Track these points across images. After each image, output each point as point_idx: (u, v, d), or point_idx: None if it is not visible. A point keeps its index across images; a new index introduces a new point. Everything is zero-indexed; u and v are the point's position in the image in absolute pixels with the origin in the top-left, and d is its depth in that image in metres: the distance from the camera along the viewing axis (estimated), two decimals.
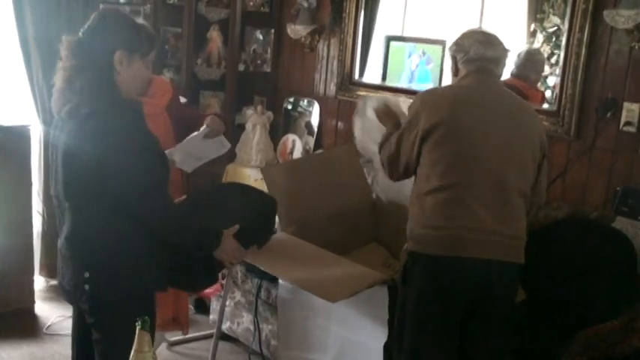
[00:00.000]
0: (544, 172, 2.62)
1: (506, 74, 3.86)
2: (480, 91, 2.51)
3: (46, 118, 4.21)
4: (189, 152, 3.04)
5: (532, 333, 2.79)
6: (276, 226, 3.18)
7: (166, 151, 2.84)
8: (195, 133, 3.06)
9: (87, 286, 2.21)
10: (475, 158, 2.40)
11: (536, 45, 3.92)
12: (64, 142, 2.22)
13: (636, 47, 3.11)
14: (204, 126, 3.07)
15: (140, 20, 2.40)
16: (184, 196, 2.75)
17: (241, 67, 4.76)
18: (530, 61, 3.81)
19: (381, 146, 2.66)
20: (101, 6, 4.35)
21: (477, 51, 2.52)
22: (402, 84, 4.26)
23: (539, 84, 3.82)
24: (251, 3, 4.69)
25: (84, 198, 2.21)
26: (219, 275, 2.74)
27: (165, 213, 2.25)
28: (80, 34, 2.22)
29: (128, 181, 2.15)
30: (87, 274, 2.21)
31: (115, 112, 2.16)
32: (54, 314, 4.03)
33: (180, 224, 2.27)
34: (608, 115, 3.22)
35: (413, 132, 2.46)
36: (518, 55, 3.82)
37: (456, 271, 2.38)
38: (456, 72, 2.60)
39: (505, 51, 2.59)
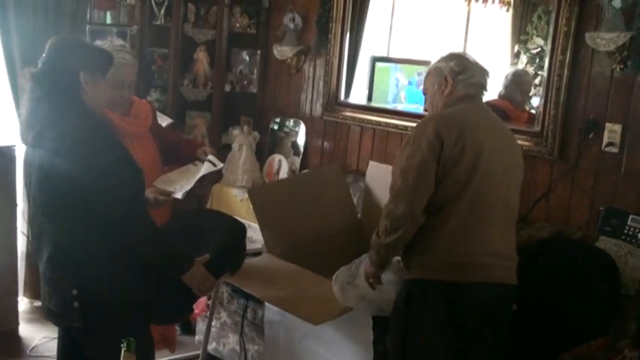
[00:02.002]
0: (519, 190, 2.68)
1: (493, 95, 3.93)
2: (481, 118, 2.54)
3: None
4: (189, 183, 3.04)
5: (517, 352, 2.80)
6: (261, 246, 3.18)
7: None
8: (201, 171, 3.05)
9: (76, 303, 2.25)
10: (491, 186, 2.43)
11: (520, 66, 3.97)
12: (38, 167, 2.28)
13: (617, 69, 3.15)
14: (204, 161, 3.09)
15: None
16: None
17: (228, 88, 4.78)
18: (516, 82, 3.86)
19: (394, 202, 2.43)
20: (87, 27, 4.38)
21: (480, 77, 2.58)
22: (388, 104, 4.29)
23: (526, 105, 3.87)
24: (237, 24, 4.72)
25: (64, 217, 2.25)
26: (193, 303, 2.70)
27: (141, 228, 2.28)
28: (40, 64, 2.31)
29: (105, 195, 2.20)
30: (75, 292, 2.24)
31: (84, 130, 2.23)
32: (38, 335, 3.99)
33: (154, 242, 2.31)
34: (591, 135, 3.26)
35: (435, 158, 2.37)
36: (506, 76, 3.87)
37: (472, 296, 2.40)
38: (450, 92, 2.56)
39: (488, 78, 2.66)
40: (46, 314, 2.42)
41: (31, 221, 2.39)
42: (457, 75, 2.55)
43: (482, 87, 2.61)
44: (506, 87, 3.85)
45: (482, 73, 2.60)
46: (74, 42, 2.41)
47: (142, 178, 2.36)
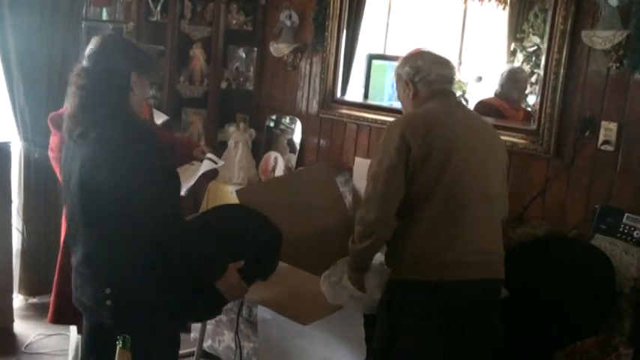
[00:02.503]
0: (505, 183, 2.65)
1: (489, 93, 3.93)
2: (451, 114, 2.51)
3: (27, 135, 4.19)
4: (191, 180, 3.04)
5: (512, 350, 2.80)
6: None
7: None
8: (202, 168, 3.07)
9: (109, 302, 2.28)
10: (465, 180, 2.41)
11: (517, 64, 3.97)
12: (81, 165, 2.27)
13: (613, 67, 3.16)
14: (203, 160, 3.11)
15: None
16: (194, 215, 2.78)
17: (224, 85, 4.77)
18: (512, 80, 3.86)
19: (365, 209, 2.45)
20: (83, 23, 4.36)
21: (437, 72, 2.54)
22: (384, 102, 4.29)
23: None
24: (234, 21, 4.71)
25: (102, 219, 2.26)
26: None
27: (179, 236, 2.28)
28: (90, 60, 2.29)
29: (144, 201, 2.21)
30: (108, 290, 2.27)
31: (127, 135, 2.24)
32: (33, 333, 3.98)
33: (191, 250, 2.31)
34: (587, 133, 3.26)
35: (402, 162, 2.37)
36: (502, 74, 3.87)
37: (453, 293, 2.39)
38: (415, 95, 2.56)
39: (454, 69, 2.64)
40: (79, 306, 2.44)
41: (69, 219, 2.39)
42: (414, 77, 2.56)
43: (446, 80, 2.57)
44: (502, 85, 3.86)
45: (441, 66, 2.57)
46: (124, 42, 2.46)
47: (178, 183, 2.40)
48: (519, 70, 3.86)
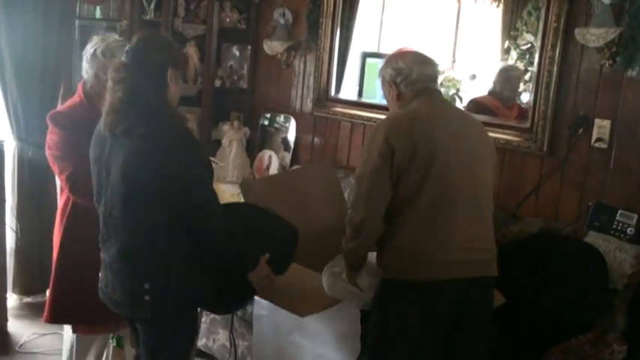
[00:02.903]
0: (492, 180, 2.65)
1: (483, 91, 3.94)
2: (436, 114, 2.49)
3: (20, 134, 4.18)
4: None
5: (507, 347, 2.81)
6: None
7: None
8: None
9: (147, 297, 2.33)
10: (452, 180, 2.40)
11: (510, 62, 3.98)
12: (123, 160, 2.31)
13: (606, 65, 3.17)
14: None
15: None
16: None
17: (218, 83, 4.76)
18: (504, 78, 3.86)
19: (353, 210, 2.47)
20: (77, 22, 4.35)
21: (419, 71, 2.54)
22: (378, 100, 4.29)
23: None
24: (227, 19, 4.71)
25: (144, 212, 2.32)
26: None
27: (220, 229, 2.37)
28: (129, 55, 2.35)
29: (188, 193, 2.29)
30: (147, 286, 2.32)
31: (170, 130, 2.31)
32: (27, 332, 3.98)
33: (232, 242, 2.40)
34: (580, 131, 3.27)
35: (387, 165, 2.37)
36: (495, 72, 3.87)
37: (442, 293, 2.38)
38: (398, 96, 2.57)
39: (438, 66, 2.64)
40: (107, 302, 2.48)
41: (107, 215, 2.41)
42: (396, 78, 2.56)
43: (429, 79, 2.56)
44: (495, 83, 3.86)
45: (422, 65, 2.57)
46: (162, 39, 2.52)
47: (213, 174, 2.44)
48: (511, 68, 3.86)
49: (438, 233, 2.38)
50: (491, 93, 3.88)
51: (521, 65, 3.93)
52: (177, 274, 2.34)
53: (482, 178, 2.49)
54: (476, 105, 3.88)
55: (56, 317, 2.99)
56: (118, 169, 2.33)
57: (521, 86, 3.91)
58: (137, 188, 2.31)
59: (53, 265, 2.96)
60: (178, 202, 2.29)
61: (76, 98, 2.95)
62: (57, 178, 3.13)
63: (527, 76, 3.83)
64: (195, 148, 2.35)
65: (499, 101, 3.80)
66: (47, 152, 2.90)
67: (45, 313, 2.99)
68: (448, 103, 2.62)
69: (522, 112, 3.70)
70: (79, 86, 2.95)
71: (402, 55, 2.65)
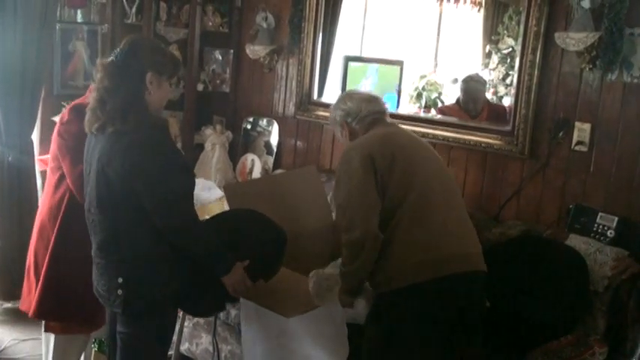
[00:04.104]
0: None
1: (452, 99, 3.98)
2: (395, 133, 2.65)
3: (1, 139, 4.14)
4: None
5: (490, 348, 2.82)
6: None
7: None
8: None
9: (120, 291, 2.40)
10: (427, 184, 2.48)
11: (492, 66, 4.00)
12: (98, 159, 2.41)
13: (586, 69, 3.20)
14: None
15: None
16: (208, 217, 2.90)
17: (200, 87, 4.75)
18: (464, 89, 3.87)
19: (347, 231, 2.47)
20: (58, 25, 4.32)
21: (367, 108, 2.71)
22: None
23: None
24: (210, 23, 4.70)
25: (115, 212, 2.40)
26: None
27: (187, 228, 2.41)
28: (113, 57, 2.43)
29: (153, 194, 2.34)
30: (120, 280, 2.40)
31: (141, 131, 2.36)
32: (8, 337, 3.94)
33: (201, 243, 2.43)
34: (561, 134, 3.30)
35: (371, 175, 2.44)
36: (460, 81, 3.91)
37: (448, 288, 2.42)
38: (351, 134, 2.72)
39: (384, 103, 2.79)
40: (97, 296, 2.55)
41: (87, 209, 2.51)
42: (347, 118, 2.72)
43: (378, 113, 2.72)
44: (460, 92, 3.88)
45: (369, 103, 2.73)
46: (148, 43, 2.57)
47: (192, 180, 2.50)
48: (472, 78, 3.87)
49: (430, 234, 2.43)
50: (457, 102, 3.92)
51: (502, 69, 3.96)
52: (150, 272, 2.41)
53: (451, 183, 2.64)
54: (442, 113, 3.92)
55: (43, 313, 3.00)
56: (94, 166, 2.42)
57: (502, 90, 3.94)
58: (107, 185, 2.38)
59: (46, 260, 2.96)
60: (144, 202, 2.34)
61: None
62: (48, 171, 3.10)
63: (508, 80, 3.86)
64: (162, 149, 2.38)
65: (466, 113, 3.82)
66: (59, 141, 2.89)
67: (32, 308, 2.99)
68: (401, 127, 2.81)
69: (493, 109, 3.71)
70: None
71: (349, 96, 2.80)
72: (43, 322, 3.12)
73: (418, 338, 2.43)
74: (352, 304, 2.60)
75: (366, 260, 2.44)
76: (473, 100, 3.83)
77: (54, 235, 2.95)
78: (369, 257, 2.44)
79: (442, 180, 2.57)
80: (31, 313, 3.00)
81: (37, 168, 4.20)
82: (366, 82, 4.38)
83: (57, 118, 4.22)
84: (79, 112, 2.84)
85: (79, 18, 4.57)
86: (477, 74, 3.88)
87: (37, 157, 4.20)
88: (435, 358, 2.45)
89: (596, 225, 3.12)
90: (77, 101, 2.97)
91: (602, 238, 3.09)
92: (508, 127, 3.48)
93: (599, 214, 3.13)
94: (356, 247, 2.43)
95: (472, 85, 3.76)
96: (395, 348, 2.46)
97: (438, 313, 2.43)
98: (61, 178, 2.94)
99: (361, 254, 2.43)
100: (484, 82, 3.84)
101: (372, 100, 2.75)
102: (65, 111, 2.97)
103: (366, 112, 2.70)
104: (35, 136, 4.25)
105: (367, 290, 2.59)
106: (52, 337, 3.13)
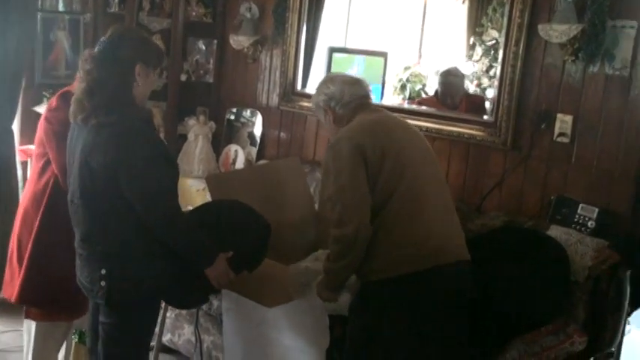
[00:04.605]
0: None
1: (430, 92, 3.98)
2: (382, 120, 2.60)
3: None
4: None
5: (472, 341, 2.83)
6: None
7: None
8: None
9: (103, 282, 2.39)
10: (416, 174, 2.47)
11: (476, 57, 4.01)
12: (81, 149, 2.39)
13: (569, 61, 3.21)
14: None
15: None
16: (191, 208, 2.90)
17: (183, 77, 4.72)
18: (441, 83, 3.87)
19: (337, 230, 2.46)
20: (39, 14, 4.28)
21: (350, 92, 2.64)
22: None
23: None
24: (193, 13, 4.67)
25: (98, 201, 2.39)
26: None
27: (170, 220, 2.39)
28: (101, 48, 2.41)
29: (137, 186, 2.33)
30: (103, 271, 2.39)
31: (123, 122, 2.34)
32: None
33: (183, 235, 2.42)
34: (543, 126, 3.31)
35: (361, 167, 2.42)
36: (438, 75, 3.90)
37: (440, 277, 2.44)
38: (335, 119, 2.66)
39: (369, 85, 2.73)
40: (80, 286, 2.54)
41: (70, 200, 2.50)
42: (330, 102, 2.66)
43: (362, 97, 2.67)
44: (438, 89, 3.88)
45: (352, 86, 2.67)
46: (135, 33, 2.56)
47: (175, 172, 2.49)
48: (450, 72, 3.86)
49: (418, 226, 2.43)
50: (436, 94, 3.92)
51: (486, 61, 3.97)
52: (133, 264, 2.40)
53: (437, 172, 2.61)
54: (420, 105, 3.92)
55: (26, 298, 3.00)
56: (77, 157, 2.40)
57: (486, 82, 3.95)
58: (90, 176, 2.36)
59: (29, 246, 2.97)
60: (126, 193, 2.33)
61: None
62: (32, 159, 3.09)
63: (492, 72, 3.87)
64: (143, 145, 2.36)
65: (445, 107, 3.82)
66: (45, 126, 2.90)
67: (15, 294, 2.98)
68: (388, 112, 2.71)
69: (472, 100, 3.72)
70: None
71: (330, 79, 2.73)
72: (24, 309, 3.10)
73: (403, 328, 2.44)
74: (336, 299, 2.59)
75: (355, 257, 2.44)
76: (451, 95, 3.84)
77: (38, 221, 2.96)
78: (359, 254, 2.43)
79: (431, 169, 2.56)
80: (14, 299, 3.00)
81: (18, 159, 4.16)
82: (351, 72, 4.37)
83: (38, 108, 4.23)
84: (67, 99, 2.84)
85: (61, 7, 4.53)
86: (455, 68, 3.87)
87: (17, 147, 4.15)
88: (420, 347, 2.46)
89: (577, 216, 3.14)
90: (66, 88, 2.98)
91: (582, 228, 3.11)
92: (491, 119, 3.49)
93: (580, 205, 3.16)
94: (348, 243, 2.41)
95: (450, 80, 3.75)
96: (379, 337, 2.46)
97: (424, 302, 2.44)
98: (46, 164, 2.94)
99: (352, 251, 2.42)
100: (462, 76, 3.84)
101: (355, 83, 2.69)
102: (54, 98, 2.98)
103: (349, 97, 2.64)
104: (16, 127, 4.20)
105: (351, 284, 2.59)
106: (33, 326, 3.11)
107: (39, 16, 4.28)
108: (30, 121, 4.18)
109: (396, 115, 2.78)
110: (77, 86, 2.45)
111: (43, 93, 4.27)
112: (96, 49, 2.42)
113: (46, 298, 2.98)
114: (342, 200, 2.42)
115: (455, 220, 2.58)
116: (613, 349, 3.00)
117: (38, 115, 4.11)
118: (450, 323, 2.51)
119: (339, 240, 2.44)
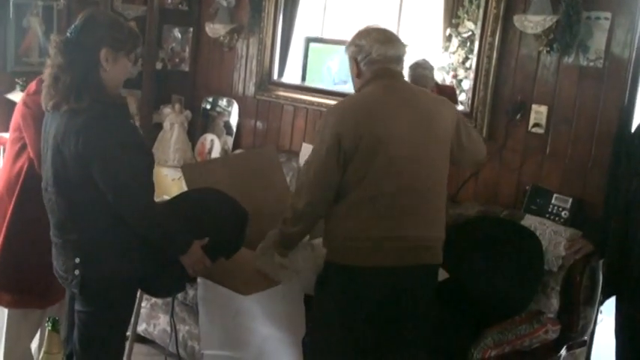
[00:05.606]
0: (465, 132, 2.63)
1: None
2: (388, 100, 2.46)
3: None
4: None
5: (444, 324, 2.85)
6: None
7: None
8: None
9: (77, 271, 2.37)
10: (395, 170, 2.39)
11: (452, 49, 4.02)
12: (53, 137, 2.35)
13: (544, 52, 3.23)
14: None
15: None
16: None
17: (159, 66, 4.68)
18: (410, 76, 3.85)
19: (298, 195, 2.51)
20: (11, 1, 4.21)
21: (379, 51, 2.48)
22: (324, 85, 4.28)
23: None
24: (169, 0, 4.63)
25: (71, 190, 2.35)
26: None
27: (142, 208, 2.36)
28: (68, 33, 2.35)
29: (110, 174, 2.29)
30: (77, 260, 2.37)
31: (96, 109, 2.29)
32: None
33: (155, 222, 2.39)
34: (518, 116, 3.34)
35: (335, 153, 2.38)
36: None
37: (379, 279, 2.40)
38: (358, 73, 2.54)
39: (404, 47, 2.58)
40: (57, 276, 2.52)
41: (44, 188, 2.46)
42: (357, 56, 2.52)
43: (390, 60, 2.50)
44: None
45: (384, 44, 2.50)
46: (104, 18, 2.45)
47: (150, 159, 2.45)
48: (418, 65, 3.81)
49: (381, 220, 2.39)
50: None
51: (462, 53, 3.98)
52: (107, 252, 2.37)
53: (430, 166, 2.47)
54: None
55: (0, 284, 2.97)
56: (50, 144, 2.37)
57: (462, 73, 3.96)
58: (62, 164, 2.33)
59: (3, 232, 2.96)
60: (98, 181, 2.30)
61: None
62: (7, 144, 3.06)
63: (467, 64, 3.88)
64: (116, 132, 2.32)
65: None
66: (23, 110, 2.88)
67: None
68: (402, 88, 2.55)
69: (441, 93, 3.71)
70: None
71: (366, 32, 2.56)
72: None
73: (347, 315, 2.44)
74: (285, 254, 2.62)
75: (301, 229, 2.54)
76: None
77: (11, 206, 2.94)
78: (304, 230, 2.54)
79: (424, 170, 2.44)
80: None
81: None
82: (332, 63, 4.37)
83: (11, 96, 4.17)
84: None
85: None
86: (424, 60, 3.84)
87: None
88: (358, 337, 2.46)
89: (551, 206, 3.18)
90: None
91: (557, 218, 3.14)
92: (467, 109, 3.51)
93: (554, 195, 3.19)
94: (296, 215, 2.50)
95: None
96: (329, 318, 2.48)
97: (369, 298, 2.42)
98: (21, 150, 2.92)
99: (300, 222, 2.50)
100: (431, 68, 3.80)
101: (387, 42, 2.50)
102: (33, 82, 2.94)
103: (376, 56, 2.47)
104: None
105: (304, 247, 2.64)
106: (5, 313, 3.09)
107: (11, 2, 4.22)
108: (3, 108, 4.13)
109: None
110: (46, 72, 2.40)
111: (16, 80, 4.21)
112: (64, 35, 2.37)
113: (20, 284, 2.96)
114: (307, 174, 2.46)
115: (436, 220, 2.49)
116: (586, 338, 3.05)
117: (10, 102, 4.06)
118: (402, 325, 2.48)
119: (291, 208, 2.51)
